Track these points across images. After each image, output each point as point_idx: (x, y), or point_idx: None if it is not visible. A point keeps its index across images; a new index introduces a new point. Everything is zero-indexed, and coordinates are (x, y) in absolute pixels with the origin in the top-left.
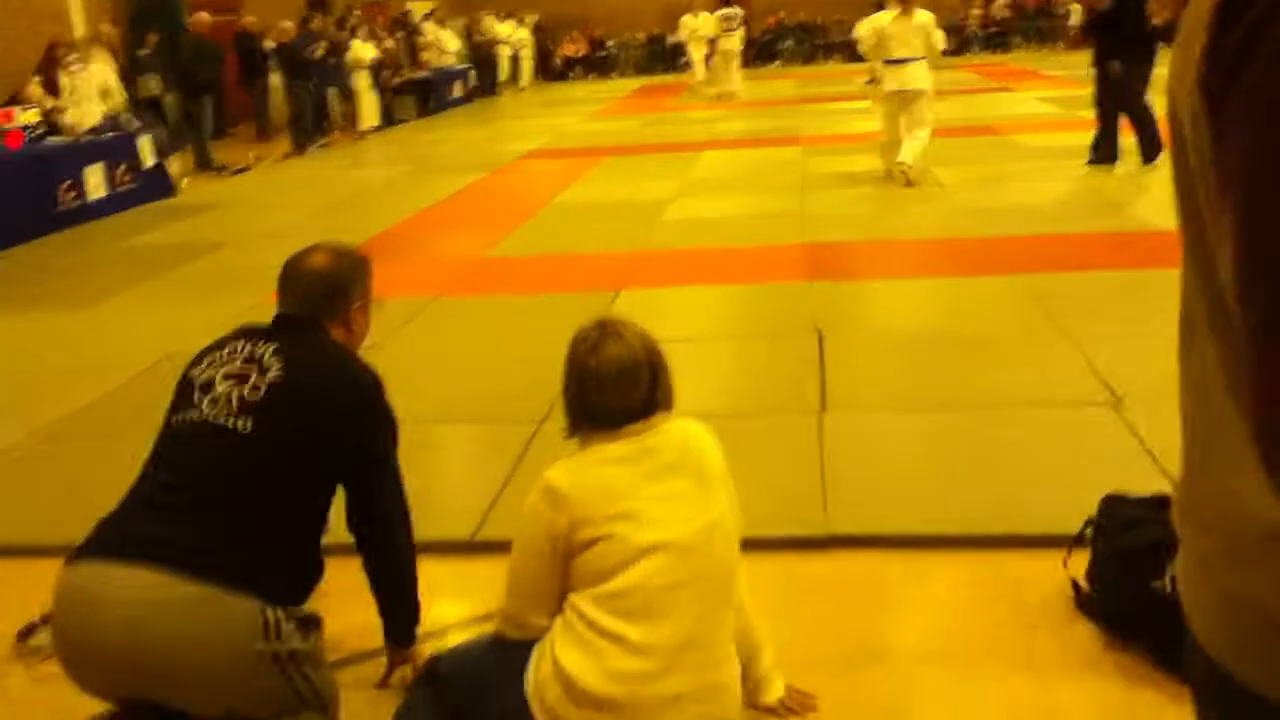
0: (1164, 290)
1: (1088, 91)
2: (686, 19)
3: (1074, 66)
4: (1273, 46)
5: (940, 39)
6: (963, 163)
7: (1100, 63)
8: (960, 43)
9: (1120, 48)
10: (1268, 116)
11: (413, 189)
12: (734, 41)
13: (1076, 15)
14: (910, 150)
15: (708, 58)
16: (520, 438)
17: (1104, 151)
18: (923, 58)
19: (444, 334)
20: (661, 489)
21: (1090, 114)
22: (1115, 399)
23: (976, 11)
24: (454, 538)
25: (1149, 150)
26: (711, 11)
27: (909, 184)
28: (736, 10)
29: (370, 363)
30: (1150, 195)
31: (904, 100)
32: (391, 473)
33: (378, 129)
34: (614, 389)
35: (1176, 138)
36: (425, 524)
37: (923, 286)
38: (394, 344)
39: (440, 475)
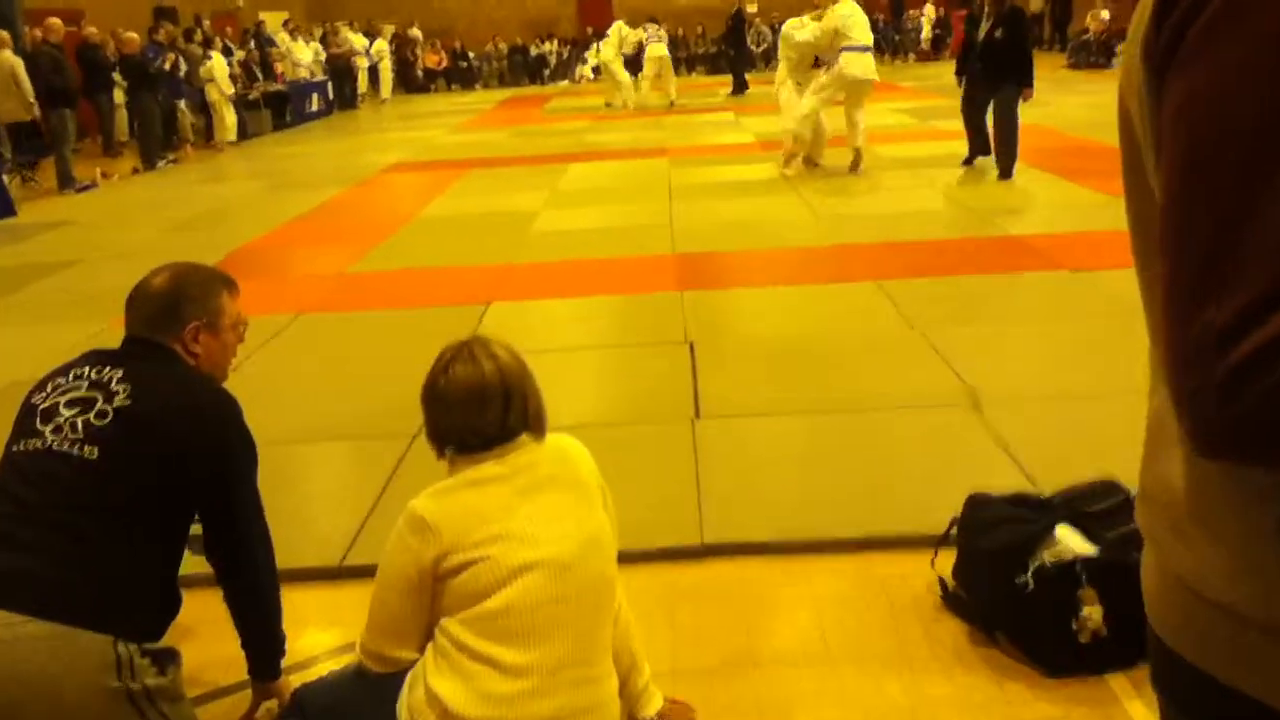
0: (1020, 295)
1: (939, 103)
2: (617, 30)
3: (925, 79)
4: (1213, 12)
5: None
6: (826, 172)
7: (993, 81)
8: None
9: (1011, 70)
10: (1201, 74)
11: (270, 204)
12: (662, 49)
13: (927, 29)
14: (863, 135)
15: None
16: (390, 455)
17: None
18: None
19: (307, 352)
20: (537, 505)
21: (943, 125)
22: (975, 401)
23: None
24: (321, 564)
25: (1008, 167)
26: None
27: (858, 168)
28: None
29: (227, 384)
30: (1006, 205)
31: (860, 88)
32: (250, 500)
33: (232, 143)
34: (462, 410)
35: (1122, 122)
36: (290, 550)
37: (790, 294)
38: (254, 363)
39: (306, 498)
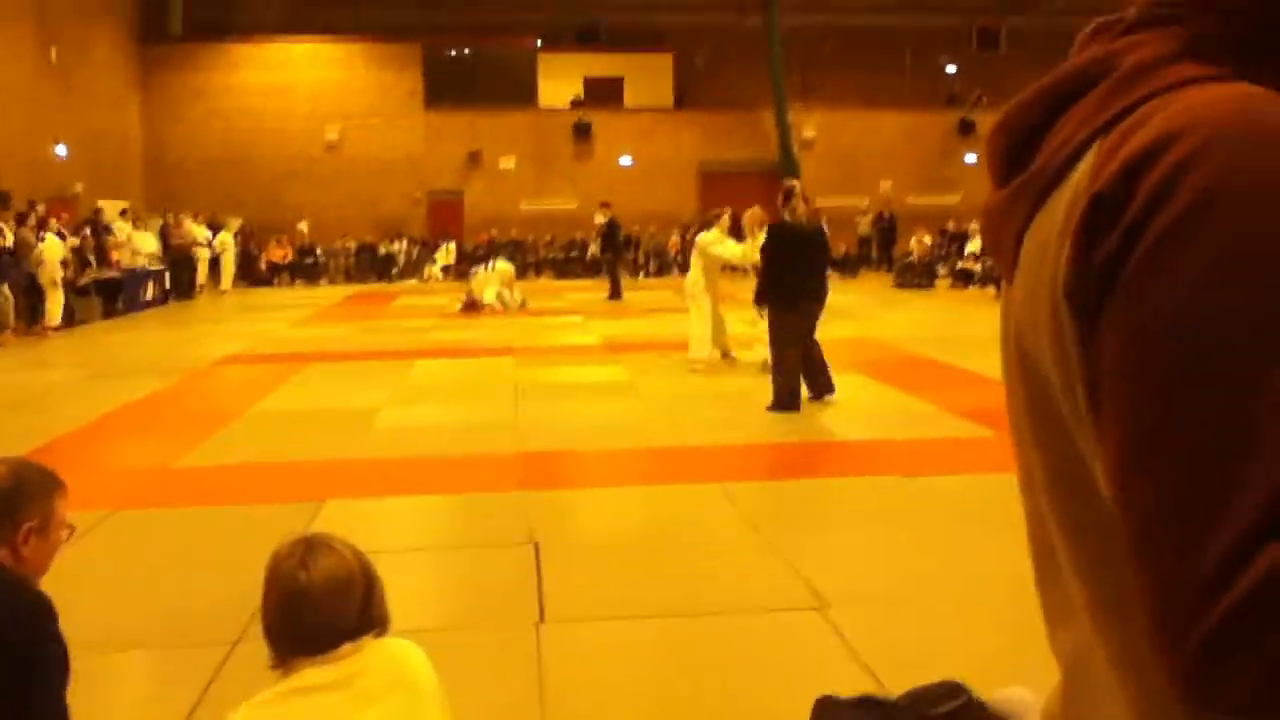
0: (855, 499)
1: None
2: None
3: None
4: (1150, 243)
5: None
6: (667, 375)
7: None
8: (660, 265)
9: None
10: (1146, 310)
11: (92, 393)
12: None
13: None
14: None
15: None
16: (209, 663)
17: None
18: None
19: (121, 551)
20: (370, 715)
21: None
22: (820, 603)
23: (675, 239)
24: None
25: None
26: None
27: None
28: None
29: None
30: (839, 412)
31: None
32: (57, 714)
33: (58, 329)
34: (327, 606)
35: (1023, 362)
36: None
37: (635, 494)
38: (60, 563)
39: (108, 713)
